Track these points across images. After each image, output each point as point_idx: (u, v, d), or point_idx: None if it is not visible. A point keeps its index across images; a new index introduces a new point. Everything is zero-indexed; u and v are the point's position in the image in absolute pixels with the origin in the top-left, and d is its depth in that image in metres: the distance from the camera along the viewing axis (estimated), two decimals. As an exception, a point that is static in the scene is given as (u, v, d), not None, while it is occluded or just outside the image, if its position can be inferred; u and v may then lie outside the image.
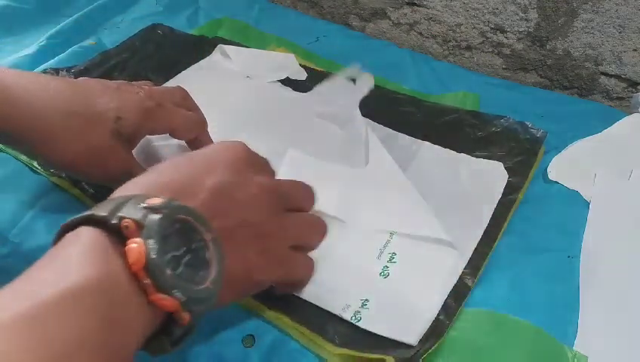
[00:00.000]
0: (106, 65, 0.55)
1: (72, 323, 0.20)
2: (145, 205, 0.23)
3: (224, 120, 0.47)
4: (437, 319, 0.33)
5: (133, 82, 0.42)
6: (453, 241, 0.37)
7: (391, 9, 0.64)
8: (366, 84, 0.51)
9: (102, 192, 0.42)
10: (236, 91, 0.53)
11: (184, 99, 0.42)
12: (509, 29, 0.58)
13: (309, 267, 0.33)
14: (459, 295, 0.35)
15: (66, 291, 0.20)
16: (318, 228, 0.33)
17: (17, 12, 0.62)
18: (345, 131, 0.48)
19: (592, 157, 0.45)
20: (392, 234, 0.39)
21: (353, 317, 0.34)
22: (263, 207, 0.30)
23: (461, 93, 0.53)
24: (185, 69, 0.55)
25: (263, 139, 0.47)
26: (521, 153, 0.45)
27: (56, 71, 0.53)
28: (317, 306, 0.35)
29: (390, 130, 0.48)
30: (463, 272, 0.36)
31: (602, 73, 0.55)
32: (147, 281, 0.22)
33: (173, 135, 0.41)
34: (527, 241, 0.39)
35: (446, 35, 0.62)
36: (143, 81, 0.44)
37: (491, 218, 0.40)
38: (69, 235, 0.23)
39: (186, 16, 0.65)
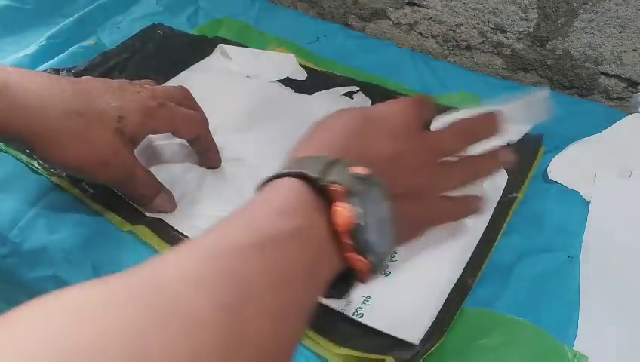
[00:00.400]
0: (106, 66, 0.55)
1: (289, 256, 0.23)
2: (351, 173, 0.26)
3: (224, 120, 0.47)
4: (437, 319, 0.33)
5: (135, 81, 0.42)
6: (451, 238, 0.38)
7: (391, 9, 0.64)
8: (364, 101, 0.51)
9: (102, 192, 0.42)
10: (236, 91, 0.53)
11: (186, 99, 0.42)
12: (509, 29, 0.58)
13: (457, 211, 0.35)
14: (459, 294, 0.35)
15: (282, 232, 0.24)
16: (462, 172, 0.34)
17: (17, 12, 0.62)
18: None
19: (592, 157, 0.45)
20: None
21: (355, 313, 0.34)
22: (430, 170, 0.32)
23: (461, 93, 0.53)
24: (185, 69, 0.55)
25: (262, 139, 0.47)
26: (521, 152, 0.45)
27: (56, 71, 0.53)
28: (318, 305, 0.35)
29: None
30: (462, 272, 0.36)
31: (602, 73, 0.55)
32: (348, 241, 0.25)
33: (175, 134, 0.41)
34: (527, 241, 0.39)
35: (446, 35, 0.62)
36: (145, 80, 0.44)
37: (491, 218, 0.40)
38: (280, 184, 0.26)
39: (186, 16, 0.65)
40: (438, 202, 0.33)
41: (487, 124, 0.35)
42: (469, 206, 0.35)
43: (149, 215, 0.41)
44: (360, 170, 0.26)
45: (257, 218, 0.24)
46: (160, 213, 0.41)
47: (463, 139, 0.34)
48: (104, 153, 0.36)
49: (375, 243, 0.26)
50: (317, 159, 0.27)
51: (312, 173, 0.26)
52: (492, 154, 0.35)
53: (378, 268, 0.27)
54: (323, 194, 0.26)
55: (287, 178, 0.26)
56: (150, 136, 0.42)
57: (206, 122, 0.43)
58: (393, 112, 0.32)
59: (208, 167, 0.44)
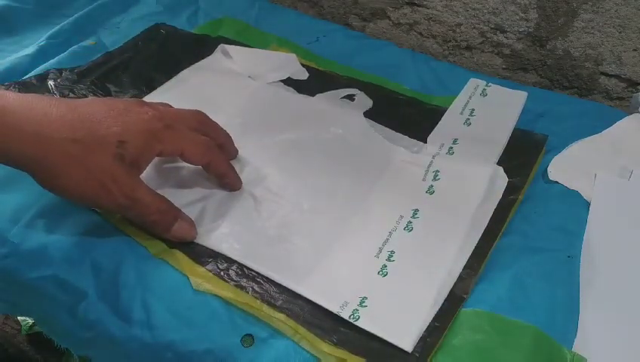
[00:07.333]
0: (109, 65, 0.55)
1: None
2: None
3: (225, 119, 0.47)
4: (434, 324, 0.34)
5: (151, 102, 0.41)
6: (450, 240, 0.38)
7: (391, 9, 0.64)
8: (366, 102, 0.51)
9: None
10: (238, 91, 0.53)
11: (200, 123, 0.41)
12: (509, 29, 0.58)
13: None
14: (457, 297, 0.35)
15: None
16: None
17: (17, 12, 0.62)
18: (347, 132, 0.48)
19: (592, 157, 0.45)
20: (391, 232, 0.39)
21: (352, 316, 0.34)
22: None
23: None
24: (187, 68, 0.55)
25: (263, 139, 0.47)
26: (522, 154, 0.45)
27: (59, 71, 0.53)
28: (314, 304, 0.35)
29: (390, 130, 0.48)
30: (462, 272, 0.36)
31: (602, 73, 0.55)
32: None
33: (183, 159, 0.40)
34: (527, 241, 0.39)
35: (446, 35, 0.62)
36: (162, 102, 0.43)
37: (491, 218, 0.40)
38: None
39: (186, 16, 0.64)
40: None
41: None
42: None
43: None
44: None
45: None
46: (181, 240, 0.39)
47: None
48: (102, 179, 0.35)
49: None
50: None
51: None
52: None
53: None
54: None
55: None
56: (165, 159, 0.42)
57: (216, 148, 0.41)
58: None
59: (229, 190, 0.42)
